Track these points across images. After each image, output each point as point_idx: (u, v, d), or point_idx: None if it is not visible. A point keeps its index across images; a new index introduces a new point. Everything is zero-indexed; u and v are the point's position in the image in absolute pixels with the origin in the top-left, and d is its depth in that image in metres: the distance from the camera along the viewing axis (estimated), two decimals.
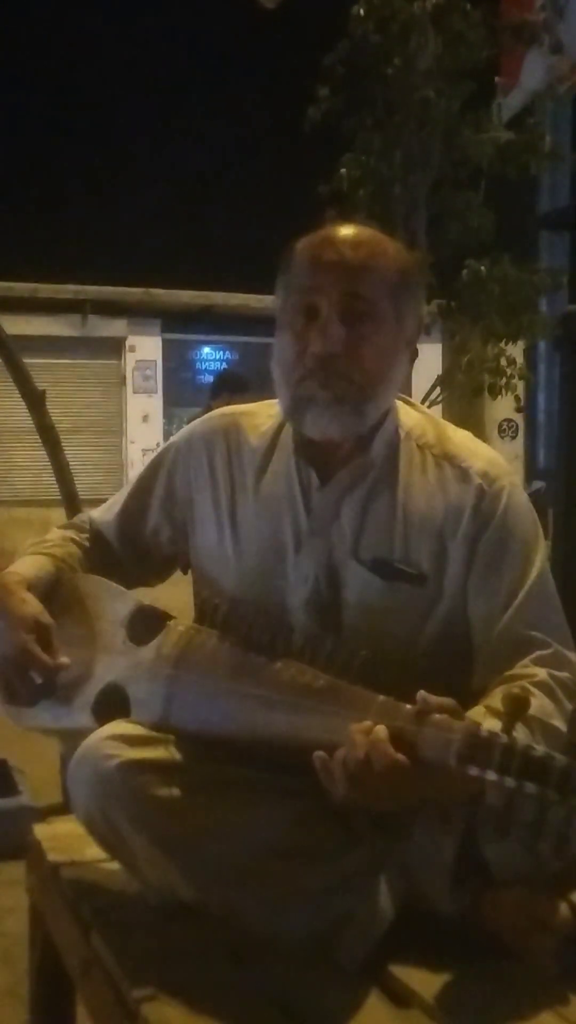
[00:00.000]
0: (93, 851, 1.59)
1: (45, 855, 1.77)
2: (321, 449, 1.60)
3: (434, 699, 1.27)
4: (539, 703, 1.40)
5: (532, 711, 1.37)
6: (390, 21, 6.83)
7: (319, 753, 1.29)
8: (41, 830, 1.86)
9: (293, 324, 1.55)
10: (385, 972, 1.38)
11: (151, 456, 1.83)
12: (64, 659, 1.58)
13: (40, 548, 1.75)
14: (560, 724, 1.44)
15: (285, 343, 1.57)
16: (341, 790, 1.28)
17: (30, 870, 1.86)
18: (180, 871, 1.44)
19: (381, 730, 1.27)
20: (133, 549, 1.80)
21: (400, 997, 1.34)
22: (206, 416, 1.78)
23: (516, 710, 1.24)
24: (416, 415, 1.66)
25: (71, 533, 1.81)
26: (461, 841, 1.42)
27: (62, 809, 1.75)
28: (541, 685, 1.44)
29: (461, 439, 1.63)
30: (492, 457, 1.62)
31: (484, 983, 1.35)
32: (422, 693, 1.28)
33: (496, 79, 8.90)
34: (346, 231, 1.57)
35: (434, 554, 1.55)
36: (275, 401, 1.68)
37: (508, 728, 1.22)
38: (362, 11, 6.82)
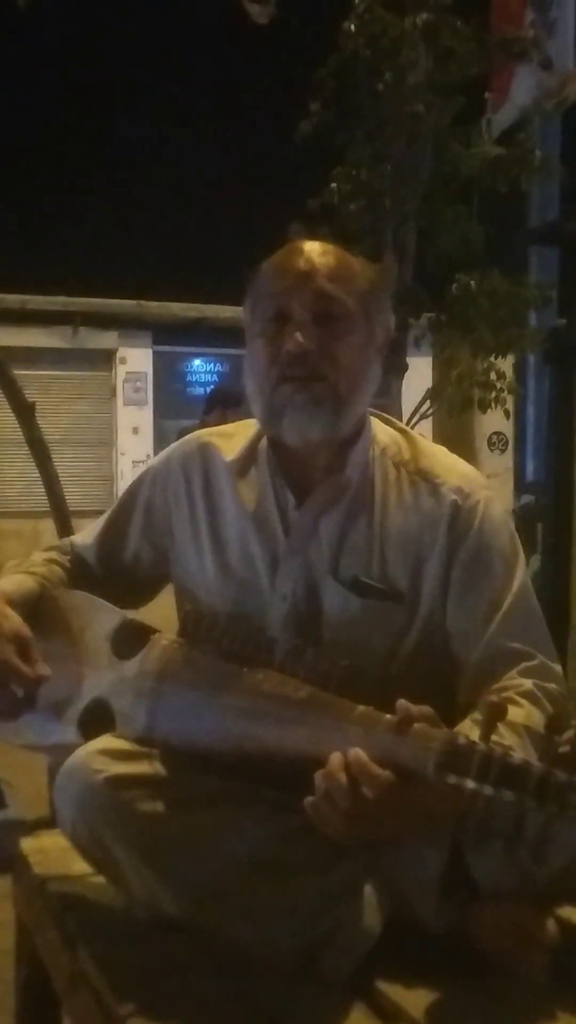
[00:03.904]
0: (80, 865, 1.59)
1: (32, 869, 1.76)
2: (297, 468, 1.61)
3: (414, 708, 1.27)
4: (527, 712, 1.41)
5: (522, 721, 1.38)
6: (381, 36, 6.88)
7: (310, 800, 1.27)
8: (28, 843, 1.85)
9: (264, 331, 1.57)
10: (372, 987, 1.37)
11: (140, 469, 1.83)
12: (44, 670, 1.57)
13: (21, 568, 1.74)
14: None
15: (257, 349, 1.58)
16: (341, 829, 1.27)
17: (17, 883, 1.85)
18: (166, 885, 1.44)
19: (359, 753, 1.26)
20: (114, 573, 1.80)
21: (387, 1012, 1.33)
22: (182, 440, 1.78)
23: (493, 717, 1.24)
24: (391, 432, 1.67)
25: (53, 555, 1.81)
26: (448, 855, 1.42)
27: (50, 823, 1.74)
28: (528, 695, 1.45)
29: (436, 455, 1.64)
30: (467, 472, 1.62)
31: (471, 998, 1.35)
32: (402, 702, 1.28)
33: (486, 94, 8.94)
34: (311, 244, 1.59)
35: (411, 571, 1.55)
36: (251, 421, 1.68)
37: (486, 736, 1.22)
38: (353, 27, 6.87)
